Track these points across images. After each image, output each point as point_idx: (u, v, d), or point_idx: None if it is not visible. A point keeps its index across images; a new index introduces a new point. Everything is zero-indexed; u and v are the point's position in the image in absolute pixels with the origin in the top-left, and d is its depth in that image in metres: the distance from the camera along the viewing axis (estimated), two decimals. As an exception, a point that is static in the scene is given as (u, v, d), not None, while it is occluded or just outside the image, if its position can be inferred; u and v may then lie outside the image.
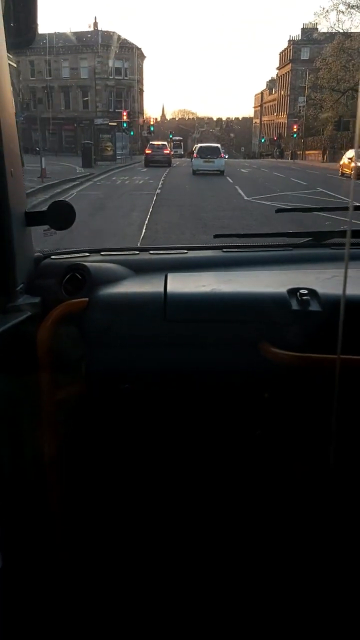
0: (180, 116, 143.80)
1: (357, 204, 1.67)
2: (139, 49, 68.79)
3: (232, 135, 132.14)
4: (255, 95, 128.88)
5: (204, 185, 21.70)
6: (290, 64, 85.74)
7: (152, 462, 1.57)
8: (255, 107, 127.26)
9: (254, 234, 2.35)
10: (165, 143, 41.70)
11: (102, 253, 1.84)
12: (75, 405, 1.53)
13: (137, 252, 1.87)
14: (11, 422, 1.44)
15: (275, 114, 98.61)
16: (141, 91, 74.23)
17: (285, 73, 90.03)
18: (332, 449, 1.21)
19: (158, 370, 1.51)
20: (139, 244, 8.12)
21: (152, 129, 65.62)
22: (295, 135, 62.02)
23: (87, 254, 1.81)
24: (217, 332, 1.49)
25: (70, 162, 32.88)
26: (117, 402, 1.52)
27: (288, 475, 1.55)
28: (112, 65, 66.43)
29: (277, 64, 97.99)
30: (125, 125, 47.01)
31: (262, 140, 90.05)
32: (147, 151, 39.37)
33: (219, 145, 33.76)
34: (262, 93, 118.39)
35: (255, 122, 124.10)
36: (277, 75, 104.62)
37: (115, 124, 44.90)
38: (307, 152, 61.22)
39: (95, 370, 1.52)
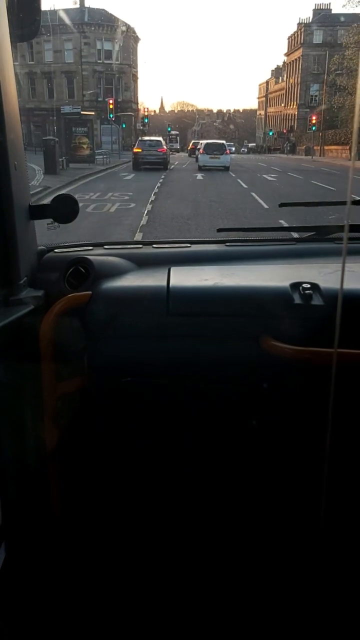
0: (179, 108, 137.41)
1: (358, 199, 1.66)
2: (132, 29, 58.60)
3: (232, 127, 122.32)
4: (260, 84, 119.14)
5: (228, 223, 11.64)
6: (301, 49, 76.06)
7: (153, 454, 1.56)
8: (259, 98, 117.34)
9: (257, 228, 1.98)
10: (160, 139, 31.62)
11: (106, 247, 1.81)
12: (78, 398, 1.52)
13: (141, 245, 1.84)
14: (14, 414, 1.43)
15: (282, 105, 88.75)
16: (135, 78, 64.02)
17: (295, 59, 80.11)
18: (328, 442, 1.20)
19: (160, 363, 1.49)
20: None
21: (146, 120, 55.09)
22: (314, 128, 51.69)
23: (91, 248, 1.79)
24: (220, 325, 1.47)
25: (41, 163, 23.11)
26: (119, 394, 1.51)
27: (287, 467, 1.53)
28: (100, 47, 56.47)
29: (284, 50, 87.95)
30: (111, 115, 36.91)
31: (270, 134, 79.87)
32: (136, 150, 29.21)
33: (224, 142, 32.05)
34: (267, 82, 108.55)
35: (260, 114, 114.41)
36: (285, 62, 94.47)
37: (92, 113, 34.80)
38: (326, 147, 51.28)
39: (98, 363, 1.49)
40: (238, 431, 1.52)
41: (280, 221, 11.55)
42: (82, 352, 1.50)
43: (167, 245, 1.85)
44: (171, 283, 1.52)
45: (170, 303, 1.47)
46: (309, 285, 1.45)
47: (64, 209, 1.54)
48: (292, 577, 1.57)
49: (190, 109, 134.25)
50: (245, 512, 1.59)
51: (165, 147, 30.14)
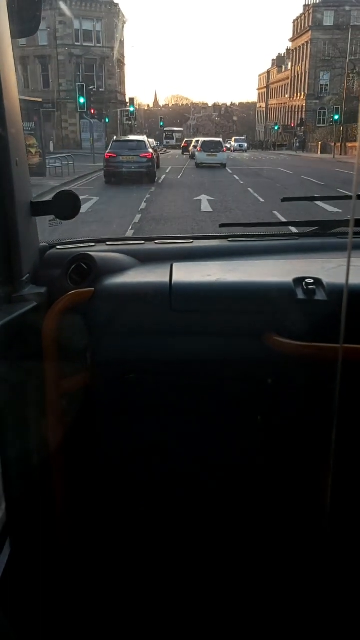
0: (173, 102, 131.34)
1: None
2: (116, 6, 48.55)
3: (230, 121, 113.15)
4: (260, 75, 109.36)
5: None
6: (310, 32, 66.20)
7: (157, 450, 1.55)
8: (259, 90, 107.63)
9: (260, 223, 2.12)
10: (144, 139, 21.52)
11: (108, 243, 1.79)
12: (81, 395, 1.51)
13: (143, 241, 1.81)
14: (17, 410, 1.41)
15: (287, 96, 79.14)
16: (122, 64, 54.10)
17: (302, 44, 70.43)
18: (334, 438, 1.19)
19: (163, 359, 1.48)
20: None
21: (132, 110, 44.34)
22: (337, 118, 41.94)
23: (93, 244, 1.78)
24: (223, 321, 1.45)
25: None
26: (122, 391, 1.50)
27: (292, 463, 1.52)
28: (79, 27, 46.58)
29: (288, 35, 78.11)
30: (82, 101, 26.92)
31: (276, 128, 69.76)
32: (109, 154, 19.31)
33: (221, 139, 31.01)
34: (268, 72, 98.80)
35: (260, 107, 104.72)
36: (289, 48, 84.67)
37: (39, 100, 24.88)
38: (349, 144, 41.76)
39: (101, 360, 1.48)
40: (242, 427, 1.50)
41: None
42: (85, 348, 1.47)
43: (169, 241, 1.81)
44: (174, 279, 1.50)
45: (173, 299, 1.45)
46: (312, 281, 1.42)
47: (66, 206, 1.48)
48: (295, 573, 1.56)
49: (185, 102, 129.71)
50: (250, 509, 1.57)
51: (150, 150, 20.48)
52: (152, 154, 20.33)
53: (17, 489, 1.39)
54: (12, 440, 1.39)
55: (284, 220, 11.08)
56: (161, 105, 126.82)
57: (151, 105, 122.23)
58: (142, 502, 1.59)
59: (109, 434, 1.54)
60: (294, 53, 75.62)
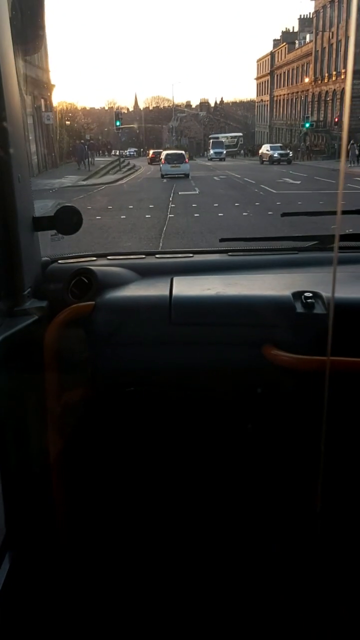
0: (154, 104, 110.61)
1: (349, 209, 1.63)
2: None
3: (221, 120, 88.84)
4: (259, 60, 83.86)
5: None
6: (351, -25, 40.65)
7: (155, 462, 1.56)
8: (258, 79, 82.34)
9: (259, 237, 2.00)
10: None
11: (109, 257, 1.79)
12: (81, 407, 1.51)
13: (144, 256, 1.80)
14: (18, 423, 1.42)
15: (307, 80, 53.88)
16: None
17: (337, -3, 45.05)
18: (332, 452, 1.19)
19: (163, 372, 1.48)
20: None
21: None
22: None
23: (94, 258, 1.78)
24: (222, 335, 1.45)
25: None
26: (122, 404, 1.51)
27: (289, 476, 1.54)
28: None
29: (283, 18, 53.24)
30: None
31: (307, 126, 44.02)
32: None
33: (183, 152, 30.28)
34: (271, 55, 73.31)
35: (262, 100, 79.32)
36: (300, 17, 59.95)
37: None
38: None
39: (101, 373, 1.49)
40: (243, 442, 1.50)
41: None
42: (85, 361, 1.47)
43: (169, 256, 1.80)
44: (174, 293, 1.50)
45: (173, 313, 1.45)
46: (310, 294, 1.43)
47: (68, 220, 1.50)
48: (289, 577, 1.57)
49: (166, 104, 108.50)
50: (243, 514, 1.59)
51: None
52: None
53: (17, 501, 1.37)
54: (13, 452, 1.38)
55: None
56: (142, 108, 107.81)
57: (131, 109, 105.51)
58: (141, 513, 1.58)
59: (109, 445, 1.52)
60: (320, 15, 50.84)
